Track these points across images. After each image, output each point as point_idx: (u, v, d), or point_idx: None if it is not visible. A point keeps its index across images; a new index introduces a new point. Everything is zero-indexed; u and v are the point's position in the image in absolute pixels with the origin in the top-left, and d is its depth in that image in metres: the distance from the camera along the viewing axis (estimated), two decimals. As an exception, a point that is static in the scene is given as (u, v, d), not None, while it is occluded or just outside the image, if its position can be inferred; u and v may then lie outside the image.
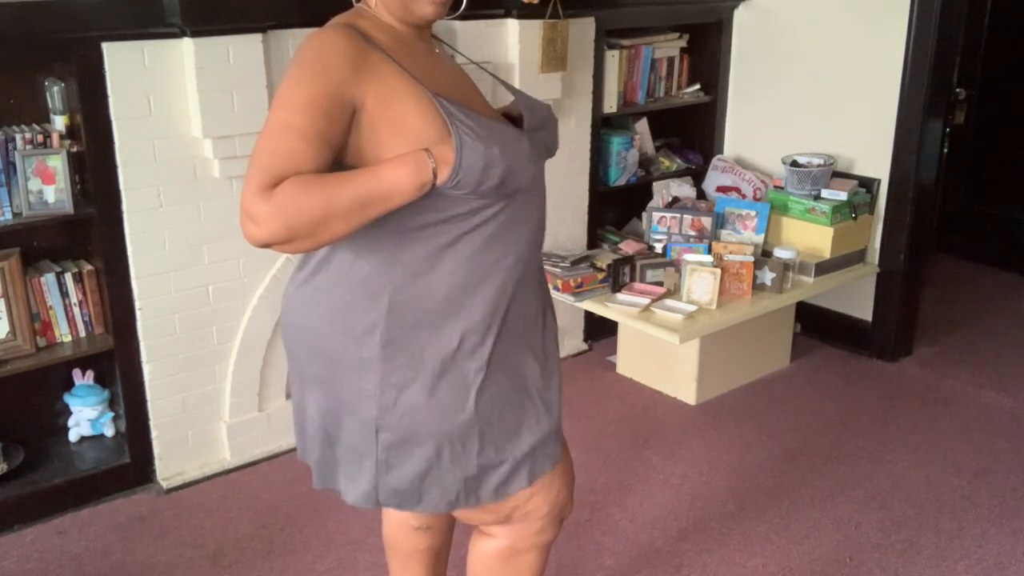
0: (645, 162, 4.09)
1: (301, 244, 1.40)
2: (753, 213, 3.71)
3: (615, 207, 4.13)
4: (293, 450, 3.18)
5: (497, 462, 1.68)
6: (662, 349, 3.55)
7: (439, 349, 1.59)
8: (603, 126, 3.87)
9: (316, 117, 1.40)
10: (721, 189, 4.09)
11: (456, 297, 1.57)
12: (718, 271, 3.35)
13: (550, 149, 1.70)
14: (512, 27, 3.35)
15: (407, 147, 1.46)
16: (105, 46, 2.59)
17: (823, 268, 3.63)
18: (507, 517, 1.79)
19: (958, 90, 3.81)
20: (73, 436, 3.03)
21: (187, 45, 2.68)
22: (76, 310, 2.83)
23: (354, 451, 1.67)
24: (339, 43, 1.45)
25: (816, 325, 4.07)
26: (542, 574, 1.92)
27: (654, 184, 4.08)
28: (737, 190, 4.05)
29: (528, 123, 1.64)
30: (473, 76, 1.75)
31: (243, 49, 2.74)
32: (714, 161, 4.18)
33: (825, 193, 3.70)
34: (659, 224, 3.72)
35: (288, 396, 3.22)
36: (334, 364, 1.63)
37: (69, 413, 3.02)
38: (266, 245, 1.39)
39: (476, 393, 1.61)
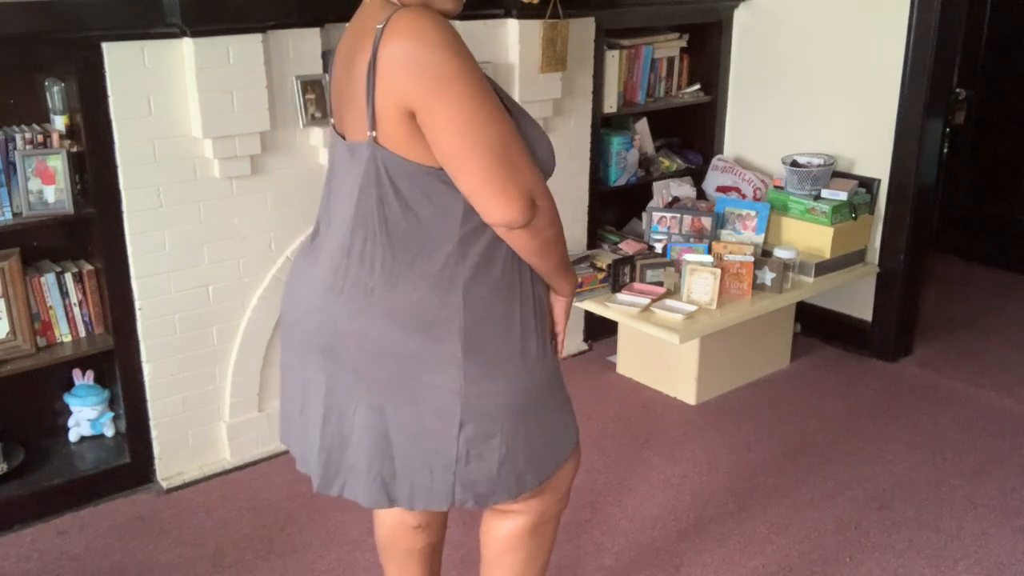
0: (645, 162, 4.09)
1: (533, 231, 1.59)
2: (753, 213, 3.71)
3: (615, 207, 4.13)
4: (293, 450, 3.19)
5: (553, 433, 1.79)
6: (662, 349, 3.55)
7: (507, 339, 1.67)
8: (603, 126, 3.88)
9: (502, 109, 1.54)
10: (721, 189, 4.09)
11: (511, 285, 1.67)
12: (718, 271, 3.35)
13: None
14: (512, 27, 3.35)
15: None
16: (105, 46, 2.59)
17: (823, 268, 3.63)
18: (542, 489, 1.83)
19: (958, 90, 3.82)
20: (73, 436, 3.03)
21: (187, 45, 2.68)
22: (76, 310, 2.84)
23: (426, 453, 1.67)
24: (450, 27, 1.51)
25: (816, 325, 4.07)
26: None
27: (654, 184, 4.08)
28: (737, 190, 4.05)
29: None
30: None
31: (243, 49, 2.74)
32: (714, 161, 4.18)
33: (825, 193, 3.70)
34: (659, 224, 3.72)
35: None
36: (409, 365, 1.63)
37: (69, 413, 3.02)
38: (518, 225, 1.55)
39: (540, 371, 1.72)
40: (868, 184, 3.79)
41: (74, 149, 2.70)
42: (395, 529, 2.04)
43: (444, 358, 1.62)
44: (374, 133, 1.55)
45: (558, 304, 1.80)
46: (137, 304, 2.83)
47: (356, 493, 1.73)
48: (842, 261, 3.72)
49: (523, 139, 1.55)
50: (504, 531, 1.90)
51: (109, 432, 3.05)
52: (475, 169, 1.50)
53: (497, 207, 1.52)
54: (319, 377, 1.70)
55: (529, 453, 1.72)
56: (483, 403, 1.65)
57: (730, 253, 3.49)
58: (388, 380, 1.64)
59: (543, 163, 1.62)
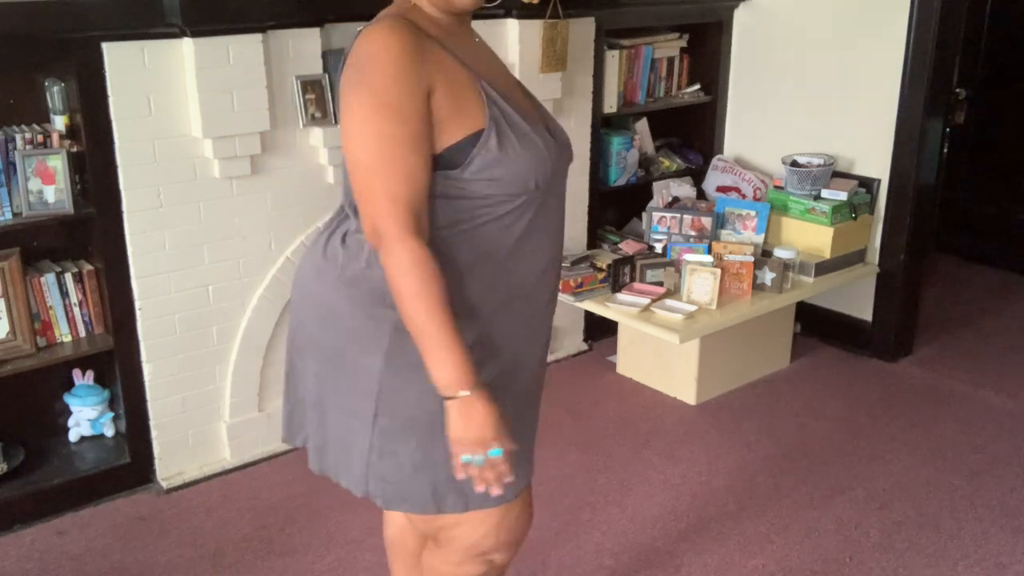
0: (645, 162, 4.09)
1: (386, 266, 1.52)
2: (753, 213, 3.71)
3: (615, 207, 4.13)
4: (293, 450, 3.19)
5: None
6: (662, 349, 3.55)
7: None
8: (603, 126, 3.87)
9: (410, 122, 1.47)
10: (721, 189, 4.09)
11: (474, 296, 1.60)
12: (718, 271, 3.35)
13: (565, 151, 1.71)
14: (512, 27, 3.35)
15: (462, 133, 1.52)
16: (105, 46, 2.59)
17: (823, 268, 3.63)
18: (434, 537, 1.79)
19: (958, 90, 3.82)
20: (73, 436, 3.03)
21: (187, 45, 2.68)
22: (76, 310, 2.83)
23: (350, 432, 1.67)
24: (400, 40, 1.49)
25: (816, 325, 4.07)
26: None
27: (654, 184, 4.08)
28: (737, 190, 4.05)
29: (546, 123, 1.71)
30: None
31: (243, 49, 2.74)
32: (714, 161, 4.18)
33: (825, 193, 3.70)
34: (659, 224, 3.72)
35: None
36: (348, 339, 1.64)
37: (69, 413, 3.02)
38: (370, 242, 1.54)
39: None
40: (868, 184, 3.79)
41: (74, 149, 2.70)
42: (403, 529, 2.04)
43: (375, 341, 1.60)
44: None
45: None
46: (137, 304, 2.83)
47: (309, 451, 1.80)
48: (842, 261, 3.71)
49: (502, 155, 1.52)
50: (424, 556, 1.89)
51: (109, 432, 3.05)
52: (352, 178, 1.54)
53: (361, 218, 1.55)
54: (291, 324, 1.80)
55: (452, 473, 1.58)
56: (400, 400, 1.62)
57: (730, 253, 3.48)
58: (329, 349, 1.67)
59: (515, 179, 1.54)
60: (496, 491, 1.55)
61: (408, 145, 1.48)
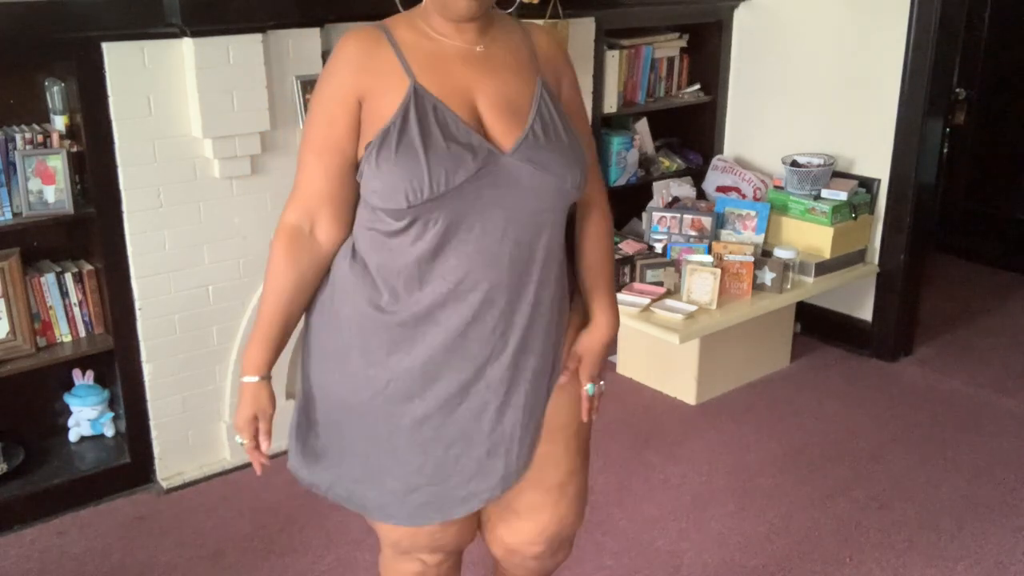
0: (645, 162, 4.09)
1: None
2: (753, 213, 3.71)
3: (615, 207, 4.00)
4: (293, 450, 3.19)
5: (363, 475, 1.77)
6: (662, 349, 3.55)
7: (337, 334, 1.66)
8: (603, 126, 3.87)
9: (321, 127, 1.55)
10: (721, 189, 4.09)
11: (361, 286, 1.61)
12: (718, 271, 3.35)
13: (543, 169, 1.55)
14: (512, 27, 3.35)
15: (372, 136, 1.52)
16: (105, 46, 2.59)
17: (823, 268, 3.63)
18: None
19: (958, 90, 3.81)
20: (73, 436, 3.03)
21: (187, 45, 2.68)
22: (76, 310, 2.83)
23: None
24: (349, 46, 1.55)
25: (816, 325, 4.07)
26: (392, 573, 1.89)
27: (654, 184, 4.08)
28: (737, 190, 4.05)
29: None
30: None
31: (243, 49, 2.74)
32: (714, 161, 4.18)
33: (825, 193, 3.70)
34: (659, 224, 3.72)
35: (288, 396, 3.22)
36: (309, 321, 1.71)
37: (69, 413, 3.02)
38: None
39: (360, 390, 1.66)
40: (868, 184, 3.79)
41: (74, 149, 2.70)
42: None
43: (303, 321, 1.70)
44: None
45: None
46: (137, 304, 2.83)
47: None
48: (842, 261, 3.72)
49: (370, 170, 1.50)
50: None
51: (109, 432, 3.05)
52: None
53: None
54: None
55: (352, 469, 1.70)
56: (301, 375, 1.76)
57: (730, 253, 3.49)
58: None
59: (388, 194, 1.48)
60: (257, 470, 1.73)
61: (314, 150, 1.55)
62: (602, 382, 1.75)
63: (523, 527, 1.78)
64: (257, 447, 1.72)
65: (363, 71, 1.52)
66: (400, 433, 1.63)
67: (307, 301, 1.65)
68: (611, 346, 1.74)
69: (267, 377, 1.69)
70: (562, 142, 1.57)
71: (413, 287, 1.54)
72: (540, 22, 3.35)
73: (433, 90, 1.51)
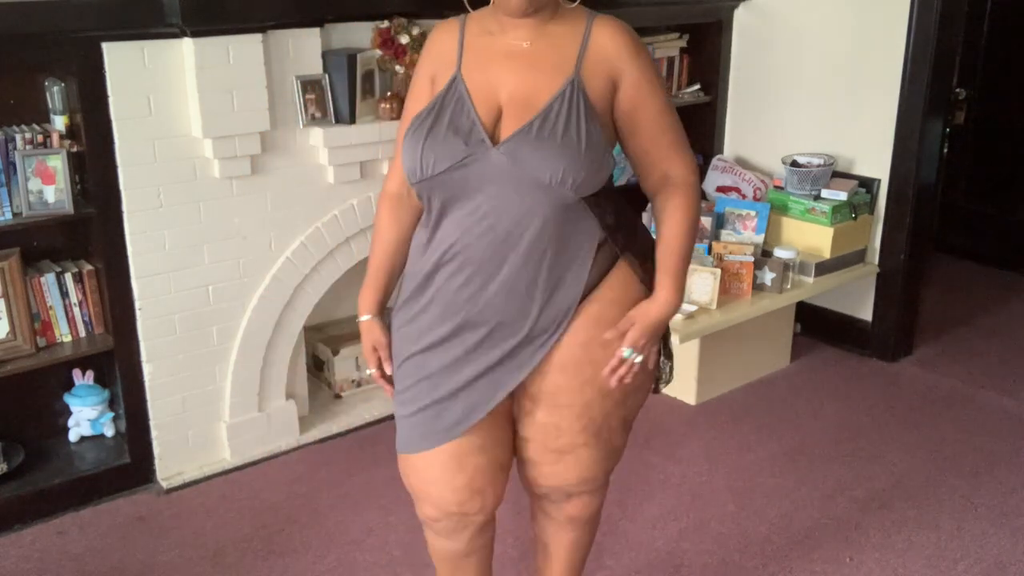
0: (645, 162, 4.08)
1: None
2: (753, 213, 3.71)
3: (615, 207, 4.12)
4: (293, 450, 3.19)
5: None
6: (662, 349, 3.55)
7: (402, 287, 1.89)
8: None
9: (410, 103, 1.82)
10: (721, 189, 4.09)
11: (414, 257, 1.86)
12: (718, 271, 3.35)
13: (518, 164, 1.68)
14: (512, 27, 3.34)
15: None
16: (105, 46, 2.59)
17: (823, 268, 3.63)
18: None
19: (958, 90, 3.81)
20: (73, 436, 3.03)
21: (187, 45, 2.68)
22: (76, 310, 2.83)
23: None
24: (432, 35, 1.82)
25: (816, 325, 4.07)
26: (432, 553, 2.02)
27: (654, 184, 4.07)
28: (737, 190, 4.05)
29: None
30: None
31: (243, 49, 2.74)
32: (714, 161, 4.18)
33: (825, 193, 3.70)
34: (659, 224, 3.71)
35: (287, 397, 3.22)
36: None
37: (69, 413, 3.02)
38: None
39: (396, 327, 1.87)
40: (868, 184, 3.79)
41: (74, 149, 2.70)
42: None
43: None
44: None
45: None
46: (137, 304, 2.83)
47: None
48: (842, 261, 3.72)
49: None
50: None
51: (109, 432, 3.05)
52: None
53: None
54: None
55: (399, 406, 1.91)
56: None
57: (730, 253, 3.49)
58: None
59: (406, 169, 1.74)
60: (388, 394, 1.91)
61: (406, 121, 1.79)
62: (641, 356, 1.78)
63: (526, 472, 1.94)
64: (383, 376, 1.91)
65: (436, 57, 1.78)
66: (410, 364, 1.83)
67: (407, 252, 1.88)
68: (665, 324, 1.80)
69: (378, 315, 1.91)
70: (554, 140, 1.64)
71: (425, 250, 1.79)
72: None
73: (470, 83, 1.71)
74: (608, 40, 1.71)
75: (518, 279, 1.72)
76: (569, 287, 1.75)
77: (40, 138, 2.64)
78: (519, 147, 1.65)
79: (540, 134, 1.64)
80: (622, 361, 1.77)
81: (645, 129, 1.76)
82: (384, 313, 1.92)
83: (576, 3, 1.75)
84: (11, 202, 2.62)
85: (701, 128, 4.30)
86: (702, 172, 4.20)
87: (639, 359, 1.78)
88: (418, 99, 1.78)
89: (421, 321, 1.80)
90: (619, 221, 1.79)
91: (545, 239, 1.70)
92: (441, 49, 1.77)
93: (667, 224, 1.80)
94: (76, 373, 2.97)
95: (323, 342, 3.49)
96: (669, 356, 1.98)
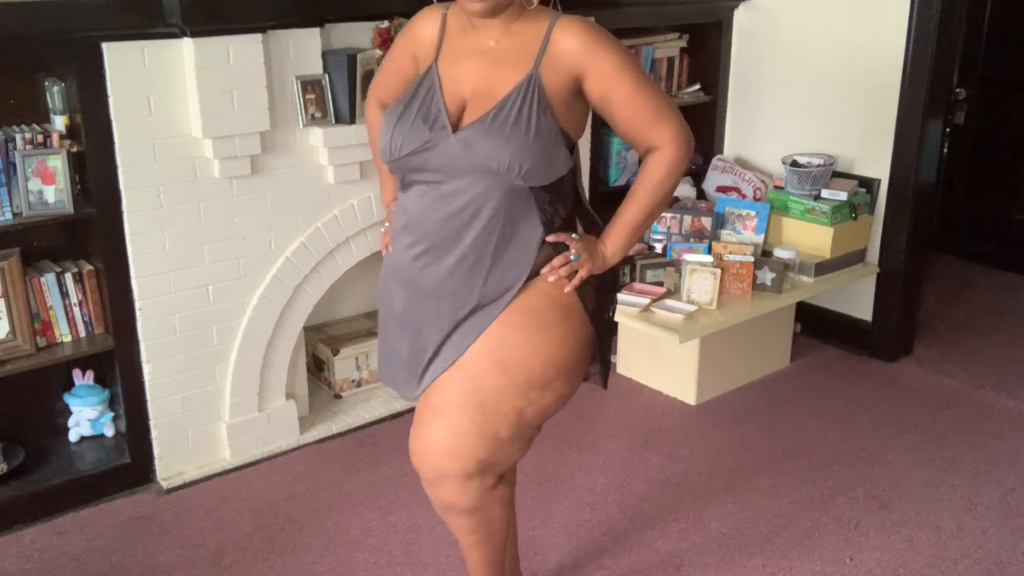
0: (645, 162, 4.08)
1: None
2: (753, 213, 3.71)
3: (615, 207, 4.09)
4: (293, 450, 3.19)
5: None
6: (662, 349, 3.55)
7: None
8: (603, 126, 3.87)
9: (391, 61, 2.07)
10: (721, 189, 4.09)
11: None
12: (718, 271, 3.35)
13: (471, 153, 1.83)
14: (512, 27, 3.34)
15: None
16: (105, 46, 2.59)
17: (823, 268, 3.63)
18: None
19: (958, 90, 3.81)
20: (73, 436, 3.03)
21: (187, 45, 2.68)
22: (76, 310, 2.83)
23: None
24: (416, 18, 1.98)
25: (816, 325, 4.07)
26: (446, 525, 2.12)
27: (654, 184, 4.07)
28: (737, 190, 4.05)
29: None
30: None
31: (243, 49, 2.74)
32: (714, 161, 4.18)
33: (825, 193, 3.70)
34: (659, 224, 3.72)
35: (287, 397, 3.22)
36: None
37: (69, 413, 3.02)
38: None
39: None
40: (868, 184, 3.79)
41: (74, 149, 2.70)
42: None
43: None
44: None
45: None
46: (137, 304, 2.83)
47: None
48: (842, 261, 3.72)
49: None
50: None
51: (109, 432, 3.05)
52: None
53: None
54: None
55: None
56: None
57: (730, 253, 3.49)
58: None
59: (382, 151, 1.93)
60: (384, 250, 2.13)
61: (385, 70, 2.10)
62: (578, 255, 1.92)
63: (409, 444, 2.01)
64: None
65: (419, 38, 1.96)
66: (387, 317, 2.05)
67: None
68: (602, 269, 1.97)
69: (394, 200, 2.09)
70: (503, 130, 1.78)
71: (398, 216, 1.98)
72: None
73: (443, 74, 1.87)
74: (568, 38, 1.81)
75: (466, 258, 1.87)
76: (512, 269, 1.89)
77: (40, 138, 2.64)
78: (473, 135, 1.80)
79: (493, 124, 1.79)
80: (567, 260, 1.91)
81: (621, 112, 1.89)
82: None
83: (535, 4, 1.86)
84: (11, 202, 2.62)
85: (701, 128, 4.31)
86: (702, 172, 4.22)
87: (574, 258, 1.91)
88: (397, 67, 2.02)
89: (388, 280, 2.03)
90: (568, 227, 1.94)
91: (497, 223, 1.84)
92: (424, 33, 1.94)
93: (638, 183, 1.98)
94: (76, 373, 2.97)
95: (323, 342, 3.50)
96: (605, 360, 2.12)
